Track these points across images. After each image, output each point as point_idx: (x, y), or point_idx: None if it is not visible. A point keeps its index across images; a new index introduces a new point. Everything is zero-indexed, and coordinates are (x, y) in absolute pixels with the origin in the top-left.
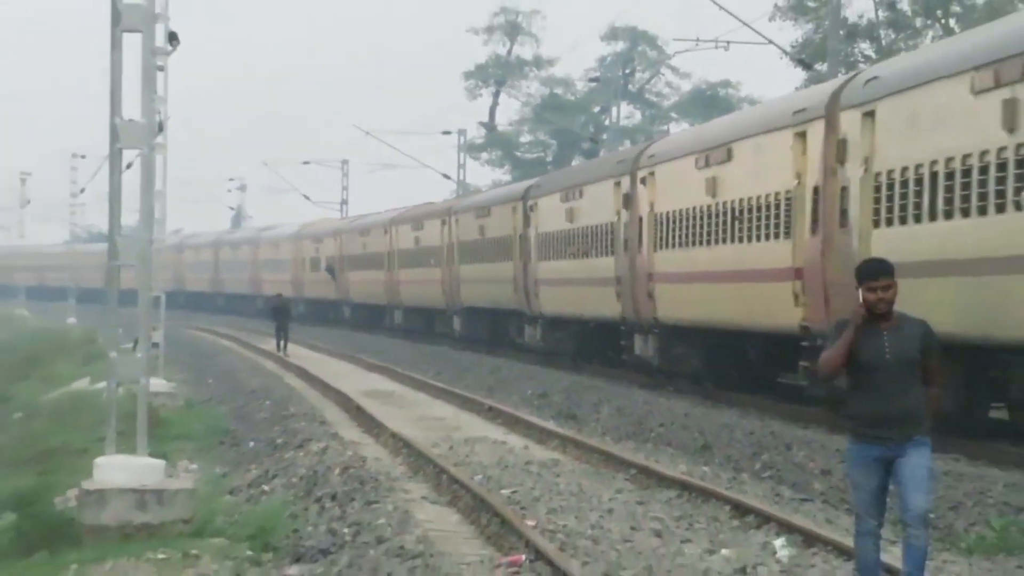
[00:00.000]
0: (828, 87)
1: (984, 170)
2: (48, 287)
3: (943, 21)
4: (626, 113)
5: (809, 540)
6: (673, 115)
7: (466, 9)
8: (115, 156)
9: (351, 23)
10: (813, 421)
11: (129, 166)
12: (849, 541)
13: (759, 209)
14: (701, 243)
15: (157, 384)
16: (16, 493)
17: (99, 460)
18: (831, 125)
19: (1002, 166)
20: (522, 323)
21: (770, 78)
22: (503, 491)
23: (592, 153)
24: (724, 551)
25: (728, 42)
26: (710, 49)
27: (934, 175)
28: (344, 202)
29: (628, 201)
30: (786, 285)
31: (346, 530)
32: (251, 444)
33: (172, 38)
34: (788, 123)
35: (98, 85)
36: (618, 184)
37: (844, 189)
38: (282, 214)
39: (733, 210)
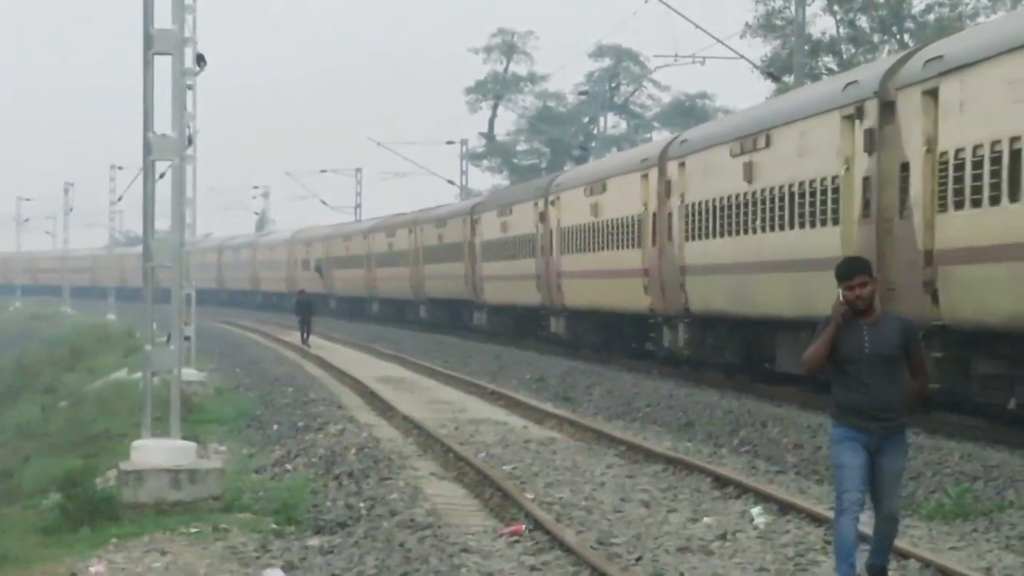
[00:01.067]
0: (880, 66)
1: None
2: (90, 287)
3: (898, 36)
4: (612, 123)
5: (784, 508)
6: (655, 124)
7: (467, 30)
8: (149, 167)
9: (364, 45)
10: (786, 400)
11: (162, 176)
12: (820, 508)
13: (803, 196)
14: (738, 232)
15: (189, 373)
16: (63, 474)
17: (136, 443)
18: (884, 107)
19: None
20: (540, 317)
21: (742, 90)
22: (504, 467)
23: (582, 160)
24: (706, 519)
25: (704, 57)
26: (688, 64)
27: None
28: (358, 206)
29: (654, 193)
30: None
31: (362, 504)
32: (275, 427)
33: (199, 60)
34: (835, 105)
35: (133, 102)
36: (645, 176)
37: (904, 167)
38: (303, 218)
39: (774, 197)
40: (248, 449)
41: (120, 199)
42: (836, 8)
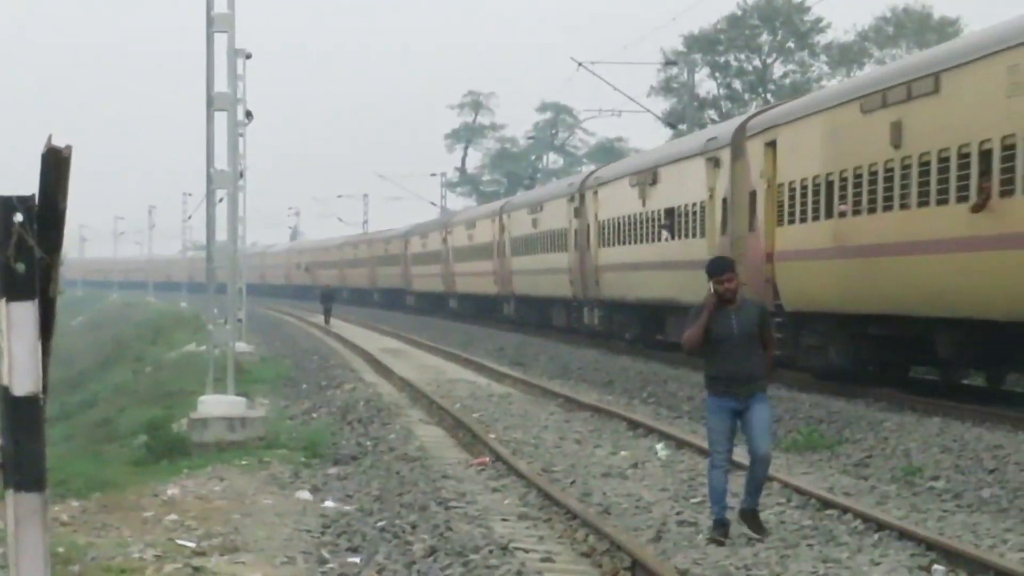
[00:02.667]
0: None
1: None
2: (167, 283)
3: (763, 96)
4: (553, 160)
5: (680, 444)
6: (585, 161)
7: (446, 92)
8: (211, 195)
9: (371, 102)
10: (681, 363)
11: (220, 200)
12: (703, 442)
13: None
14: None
15: (241, 346)
16: (148, 421)
17: (202, 398)
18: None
19: None
20: (571, 310)
21: (649, 135)
22: (474, 415)
23: (531, 187)
24: (623, 452)
25: (620, 111)
26: (608, 116)
27: None
28: (365, 222)
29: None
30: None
31: (368, 443)
32: (304, 386)
33: (248, 115)
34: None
35: (199, 145)
36: (712, 161)
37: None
38: (329, 231)
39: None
40: (284, 402)
41: (190, 217)
42: (717, 74)
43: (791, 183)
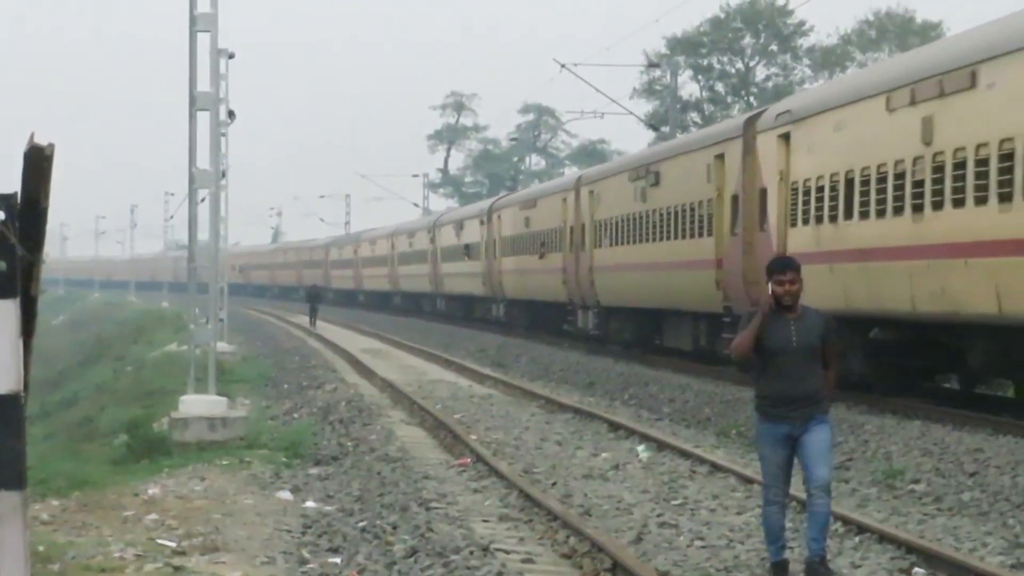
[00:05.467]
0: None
1: None
2: (149, 282)
3: (746, 99)
4: (535, 161)
5: (661, 446)
6: (567, 162)
7: (429, 92)
8: (193, 194)
9: (355, 102)
10: (663, 366)
11: (202, 200)
12: (688, 447)
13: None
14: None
15: (222, 346)
16: (129, 420)
17: (184, 397)
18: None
19: None
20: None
21: (631, 137)
22: (455, 415)
23: (514, 190)
24: (604, 454)
25: (603, 113)
26: (591, 118)
27: None
28: (347, 223)
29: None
30: None
31: (349, 443)
32: (285, 386)
33: (230, 114)
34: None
35: (182, 144)
36: (719, 157)
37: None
38: (308, 232)
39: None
40: (265, 402)
41: (172, 217)
42: (700, 77)
43: (806, 180)
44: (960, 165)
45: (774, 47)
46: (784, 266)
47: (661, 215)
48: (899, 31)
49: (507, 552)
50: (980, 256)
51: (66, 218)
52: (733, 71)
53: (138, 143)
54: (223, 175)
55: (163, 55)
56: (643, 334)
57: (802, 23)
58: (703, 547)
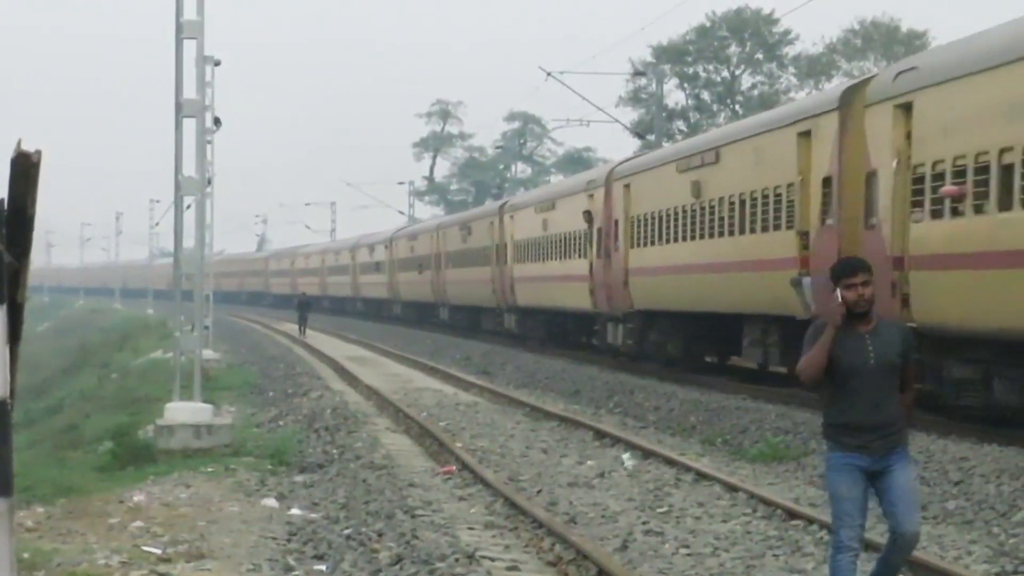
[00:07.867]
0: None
1: None
2: (134, 289)
3: (732, 107)
4: (521, 169)
5: (646, 454)
6: (552, 170)
7: (415, 100)
8: (179, 201)
9: (340, 109)
10: (648, 374)
11: (188, 207)
12: (674, 455)
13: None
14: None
15: (208, 353)
16: (114, 427)
17: (169, 405)
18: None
19: None
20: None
21: (616, 145)
22: (440, 423)
23: (499, 198)
24: (589, 462)
25: (588, 121)
26: (576, 126)
27: None
28: (333, 231)
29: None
30: None
31: (335, 451)
32: (271, 393)
33: (216, 121)
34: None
35: (168, 151)
36: (805, 135)
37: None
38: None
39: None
40: (251, 409)
41: (157, 224)
42: (685, 85)
43: (937, 163)
44: None
45: (760, 55)
46: (855, 267)
47: (716, 207)
48: (885, 40)
49: (492, 560)
50: None
51: (52, 224)
52: (719, 79)
53: (124, 150)
54: (209, 182)
55: (149, 62)
56: (691, 349)
57: (788, 32)
58: (688, 555)
